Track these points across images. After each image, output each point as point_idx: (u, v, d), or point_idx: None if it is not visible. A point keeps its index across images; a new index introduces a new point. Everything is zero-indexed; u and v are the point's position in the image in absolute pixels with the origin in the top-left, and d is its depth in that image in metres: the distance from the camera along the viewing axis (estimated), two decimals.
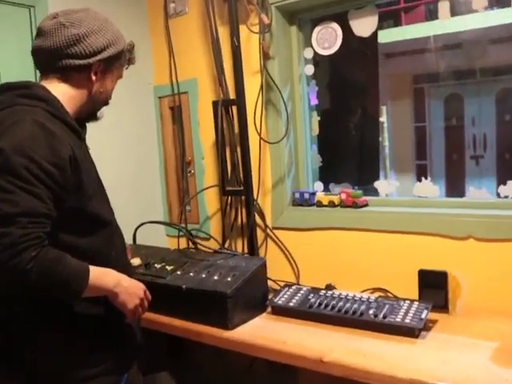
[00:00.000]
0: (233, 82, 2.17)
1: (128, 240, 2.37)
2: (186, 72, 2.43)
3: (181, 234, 2.46)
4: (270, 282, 2.16)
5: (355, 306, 1.76)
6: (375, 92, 2.42)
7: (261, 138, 2.09)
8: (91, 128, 2.27)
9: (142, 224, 2.34)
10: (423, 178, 2.03)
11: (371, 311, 1.72)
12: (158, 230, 2.55)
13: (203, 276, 1.92)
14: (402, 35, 2.58)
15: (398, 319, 1.66)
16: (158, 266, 2.09)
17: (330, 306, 1.79)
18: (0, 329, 1.35)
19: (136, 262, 2.11)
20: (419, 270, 1.87)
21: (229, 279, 1.84)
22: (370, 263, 2.01)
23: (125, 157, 2.45)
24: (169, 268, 2.05)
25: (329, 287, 2.01)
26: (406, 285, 1.92)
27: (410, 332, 1.62)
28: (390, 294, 1.96)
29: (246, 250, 2.27)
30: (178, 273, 2.00)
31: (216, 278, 1.88)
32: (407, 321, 1.64)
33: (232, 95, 2.17)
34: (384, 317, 1.68)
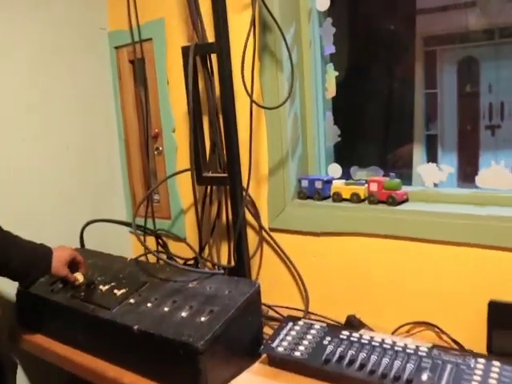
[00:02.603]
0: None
1: (74, 241, 1.75)
2: (150, 11, 1.75)
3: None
4: (264, 308, 1.53)
5: (397, 362, 1.13)
6: (411, 43, 1.73)
7: (252, 101, 1.41)
8: (18, 91, 1.63)
9: (89, 223, 1.69)
10: (493, 163, 1.38)
11: (425, 376, 1.09)
12: (118, 226, 1.90)
13: (165, 310, 1.28)
14: None
15: None
16: (103, 287, 1.46)
17: (357, 363, 1.15)
18: None
19: (78, 278, 1.48)
20: (490, 301, 1.23)
21: (202, 319, 1.20)
22: (412, 286, 1.38)
23: (71, 129, 1.79)
24: (118, 293, 1.41)
25: (352, 322, 1.37)
26: (467, 320, 1.30)
27: None
28: (443, 336, 1.32)
29: (233, 261, 1.63)
30: (131, 301, 1.36)
31: (184, 314, 1.24)
32: None
33: (211, 39, 1.48)
34: None
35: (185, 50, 1.44)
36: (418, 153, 1.88)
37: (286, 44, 1.39)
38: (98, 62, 1.87)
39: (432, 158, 1.94)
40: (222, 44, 1.37)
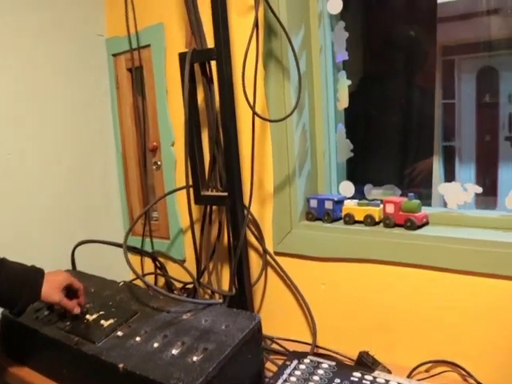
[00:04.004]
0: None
1: (66, 264, 1.63)
2: (148, 16, 1.63)
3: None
4: (267, 341, 1.39)
5: None
6: (431, 51, 1.60)
7: (255, 114, 1.27)
8: (3, 102, 1.53)
9: (80, 244, 1.57)
10: None
11: None
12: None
13: (155, 346, 1.14)
14: None
15: None
16: (90, 317, 1.33)
17: None
18: None
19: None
20: None
21: (194, 359, 1.06)
22: (433, 320, 1.22)
23: (63, 143, 1.67)
24: (105, 324, 1.28)
25: (365, 360, 1.22)
26: (496, 362, 1.14)
27: None
28: (469, 379, 1.16)
29: (234, 288, 1.48)
30: (118, 334, 1.23)
31: (174, 352, 1.10)
32: None
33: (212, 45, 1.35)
34: None
35: (182, 57, 1.31)
36: (437, 168, 1.74)
37: (293, 50, 1.26)
38: (94, 71, 1.75)
39: (449, 169, 1.81)
40: (222, 50, 1.24)
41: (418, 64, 1.55)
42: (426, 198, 1.48)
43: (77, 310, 1.30)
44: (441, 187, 1.32)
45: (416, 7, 1.62)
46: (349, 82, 1.42)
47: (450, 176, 1.68)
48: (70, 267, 1.63)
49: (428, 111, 1.59)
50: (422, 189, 1.55)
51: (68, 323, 1.32)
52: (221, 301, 1.27)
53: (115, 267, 1.74)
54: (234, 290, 1.38)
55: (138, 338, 1.19)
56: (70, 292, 1.31)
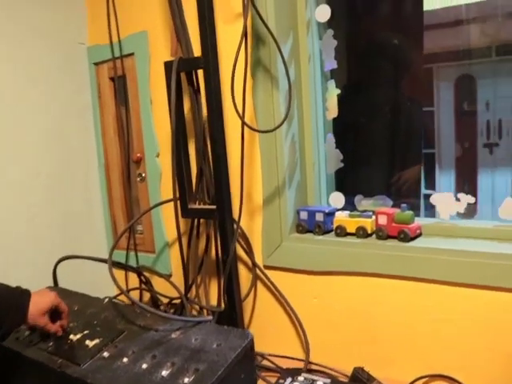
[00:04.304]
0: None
1: (47, 280, 1.57)
2: (132, 23, 1.59)
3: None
4: (258, 358, 1.35)
5: None
6: (419, 60, 1.59)
7: (244, 123, 1.24)
8: None
9: (61, 260, 1.51)
10: None
11: None
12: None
13: (143, 367, 1.10)
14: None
15: None
16: (74, 337, 1.27)
17: None
18: None
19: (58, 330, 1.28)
20: None
21: (186, 381, 1.02)
22: (428, 334, 1.20)
23: (45, 153, 1.62)
24: (90, 344, 1.22)
25: (360, 376, 1.19)
26: (493, 375, 1.12)
27: None
28: None
29: (222, 303, 1.44)
30: (104, 355, 1.17)
31: (164, 373, 1.06)
32: None
33: (198, 53, 1.31)
34: None
35: (168, 66, 1.27)
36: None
37: (283, 58, 1.23)
38: (75, 80, 1.70)
39: (430, 176, 1.81)
40: (210, 58, 1.21)
41: (406, 72, 1.54)
42: (414, 208, 1.46)
43: (59, 333, 1.24)
44: (433, 197, 1.30)
45: (403, 15, 1.61)
46: (338, 91, 1.39)
47: (430, 183, 1.67)
48: (51, 283, 1.57)
49: (415, 119, 1.58)
50: (410, 198, 1.53)
51: (51, 344, 1.26)
52: (211, 318, 1.23)
53: (98, 282, 1.69)
54: (223, 306, 1.34)
55: (125, 359, 1.14)
56: (53, 313, 1.25)
